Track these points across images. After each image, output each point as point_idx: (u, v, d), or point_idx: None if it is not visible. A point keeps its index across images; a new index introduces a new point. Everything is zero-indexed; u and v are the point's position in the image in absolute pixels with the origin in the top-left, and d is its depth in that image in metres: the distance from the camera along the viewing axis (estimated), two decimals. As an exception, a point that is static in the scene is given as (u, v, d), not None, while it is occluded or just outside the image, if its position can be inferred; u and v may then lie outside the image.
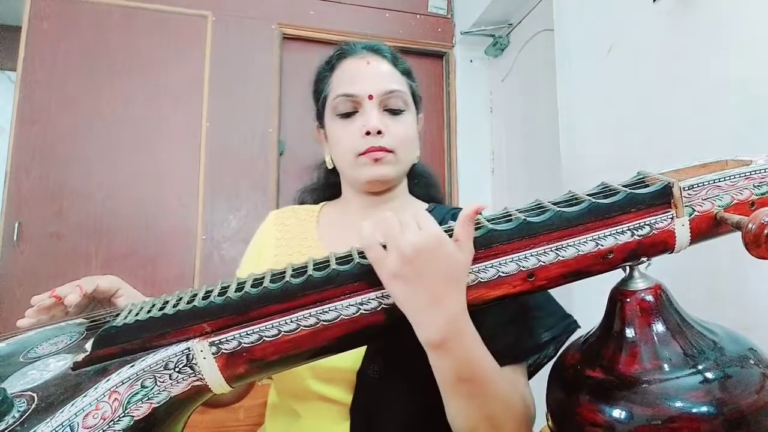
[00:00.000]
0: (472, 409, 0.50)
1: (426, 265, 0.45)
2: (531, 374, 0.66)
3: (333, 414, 0.65)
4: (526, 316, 0.61)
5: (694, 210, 0.46)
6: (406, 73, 0.78)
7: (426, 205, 0.80)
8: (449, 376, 0.49)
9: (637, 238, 0.46)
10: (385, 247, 0.46)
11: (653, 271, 0.50)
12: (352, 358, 0.63)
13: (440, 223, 0.72)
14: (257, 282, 0.49)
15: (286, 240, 0.79)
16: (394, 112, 0.73)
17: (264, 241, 0.82)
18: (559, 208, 0.47)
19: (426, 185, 0.87)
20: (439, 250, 0.45)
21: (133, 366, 0.44)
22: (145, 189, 2.06)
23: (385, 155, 0.72)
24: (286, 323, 0.46)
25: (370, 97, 0.72)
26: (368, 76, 0.73)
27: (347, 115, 0.73)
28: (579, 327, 0.63)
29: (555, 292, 0.52)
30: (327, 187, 0.87)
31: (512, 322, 0.60)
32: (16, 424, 0.40)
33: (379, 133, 0.71)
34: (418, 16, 2.54)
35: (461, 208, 0.78)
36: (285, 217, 0.83)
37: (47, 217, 1.94)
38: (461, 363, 0.48)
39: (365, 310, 0.47)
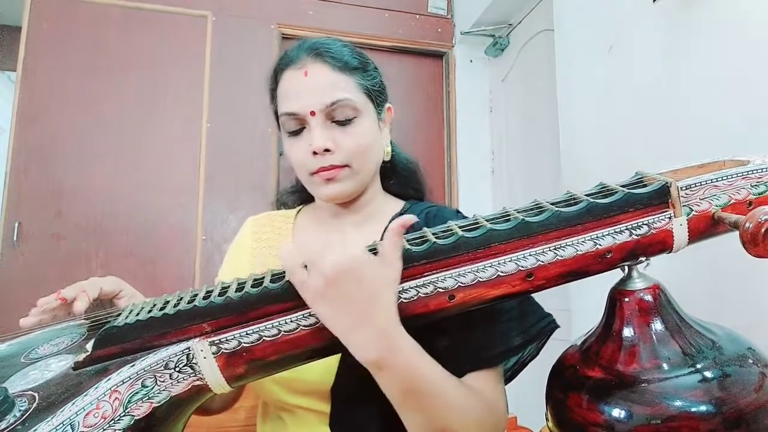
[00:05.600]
0: (423, 422, 0.50)
1: (348, 285, 0.45)
2: (516, 373, 0.66)
3: (315, 421, 0.66)
4: (495, 321, 0.60)
5: (692, 209, 0.46)
6: (356, 70, 0.70)
7: (402, 204, 0.78)
8: (394, 392, 0.49)
9: (636, 237, 0.46)
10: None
11: (652, 271, 0.50)
12: (320, 370, 0.63)
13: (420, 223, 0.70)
14: (257, 282, 0.49)
15: (261, 249, 0.79)
16: (343, 123, 0.68)
17: (239, 249, 0.82)
18: (557, 208, 0.47)
19: (404, 184, 0.82)
20: (360, 269, 0.45)
21: (133, 365, 0.45)
22: (145, 189, 2.06)
23: (337, 173, 0.68)
24: (286, 323, 0.47)
25: (312, 113, 0.67)
26: (307, 90, 0.67)
27: (295, 133, 0.70)
28: (558, 327, 0.62)
29: (554, 292, 0.52)
30: (305, 189, 0.84)
31: (478, 329, 0.59)
32: (17, 423, 0.40)
33: (327, 150, 0.67)
34: (417, 16, 2.54)
35: (438, 205, 0.76)
36: (261, 224, 0.83)
37: (47, 217, 1.94)
38: (403, 378, 0.48)
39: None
